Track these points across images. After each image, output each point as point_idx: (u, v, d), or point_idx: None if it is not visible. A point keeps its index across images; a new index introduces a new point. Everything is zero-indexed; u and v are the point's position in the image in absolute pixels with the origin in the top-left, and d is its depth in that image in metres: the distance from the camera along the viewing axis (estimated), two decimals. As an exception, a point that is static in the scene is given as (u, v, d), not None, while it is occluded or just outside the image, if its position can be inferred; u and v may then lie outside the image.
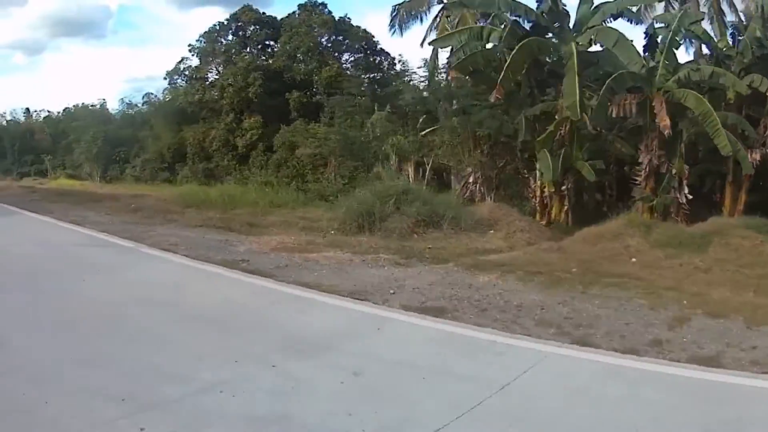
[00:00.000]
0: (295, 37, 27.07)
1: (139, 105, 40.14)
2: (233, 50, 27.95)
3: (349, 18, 29.07)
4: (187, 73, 28.95)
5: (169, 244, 9.96)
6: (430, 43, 20.58)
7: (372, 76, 28.69)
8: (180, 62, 28.84)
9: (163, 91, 36.60)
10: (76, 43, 79.21)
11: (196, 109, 27.70)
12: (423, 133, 18.98)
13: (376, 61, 28.86)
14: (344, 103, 22.41)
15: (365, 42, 28.74)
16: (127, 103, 40.50)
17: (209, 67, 28.59)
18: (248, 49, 28.20)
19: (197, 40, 28.81)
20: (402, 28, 23.44)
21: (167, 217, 13.71)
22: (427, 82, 22.83)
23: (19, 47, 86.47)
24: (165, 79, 29.08)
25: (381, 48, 28.85)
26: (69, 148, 40.86)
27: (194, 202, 15.94)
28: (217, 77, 28.45)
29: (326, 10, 29.13)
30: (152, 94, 38.82)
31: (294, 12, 29.09)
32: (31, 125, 47.30)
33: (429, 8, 23.53)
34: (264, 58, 27.70)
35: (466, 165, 17.38)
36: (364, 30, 28.91)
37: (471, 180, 17.36)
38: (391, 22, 23.36)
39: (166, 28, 75.62)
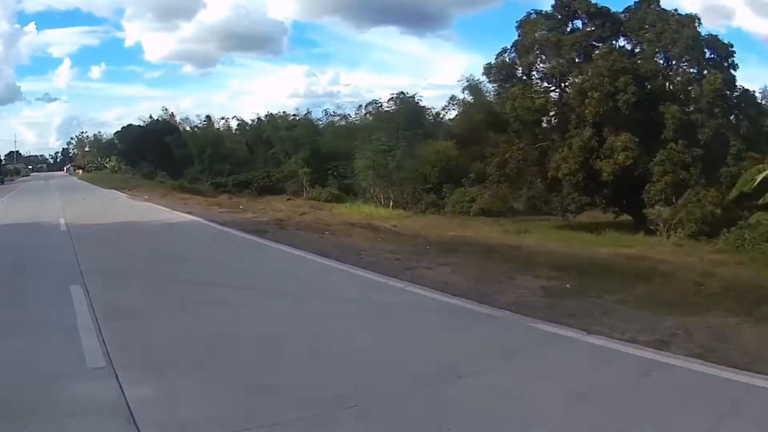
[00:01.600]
0: (663, 34, 21.23)
1: (351, 116, 35.60)
2: (574, 45, 22.04)
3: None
4: (503, 72, 23.14)
5: None
6: None
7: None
8: (500, 55, 23.21)
9: (389, 99, 32.04)
10: (250, 57, 79.17)
11: (527, 116, 21.88)
12: None
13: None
14: None
15: (716, 49, 22.71)
16: (335, 114, 35.98)
17: (535, 65, 22.97)
18: (590, 46, 22.46)
19: (518, 29, 23.40)
20: None
21: None
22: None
23: (187, 59, 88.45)
24: (483, 74, 23.80)
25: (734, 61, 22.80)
26: (275, 158, 36.16)
27: None
28: (537, 78, 22.98)
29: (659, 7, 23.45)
30: (377, 102, 34.26)
31: (629, 6, 23.55)
32: (220, 132, 42.92)
33: None
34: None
35: None
36: (711, 35, 22.98)
37: None
38: None
39: (344, 47, 73.68)
